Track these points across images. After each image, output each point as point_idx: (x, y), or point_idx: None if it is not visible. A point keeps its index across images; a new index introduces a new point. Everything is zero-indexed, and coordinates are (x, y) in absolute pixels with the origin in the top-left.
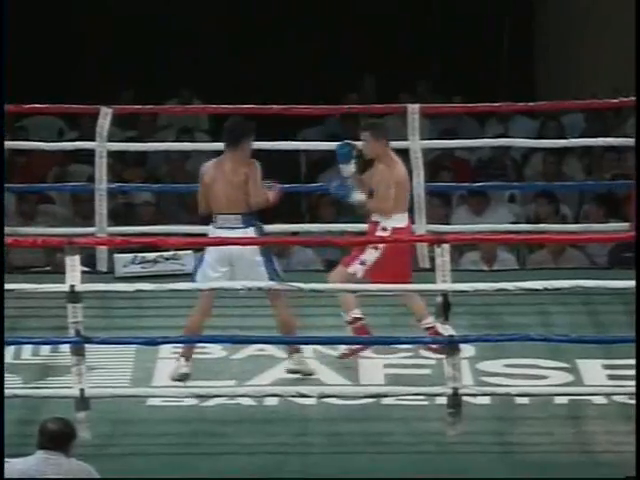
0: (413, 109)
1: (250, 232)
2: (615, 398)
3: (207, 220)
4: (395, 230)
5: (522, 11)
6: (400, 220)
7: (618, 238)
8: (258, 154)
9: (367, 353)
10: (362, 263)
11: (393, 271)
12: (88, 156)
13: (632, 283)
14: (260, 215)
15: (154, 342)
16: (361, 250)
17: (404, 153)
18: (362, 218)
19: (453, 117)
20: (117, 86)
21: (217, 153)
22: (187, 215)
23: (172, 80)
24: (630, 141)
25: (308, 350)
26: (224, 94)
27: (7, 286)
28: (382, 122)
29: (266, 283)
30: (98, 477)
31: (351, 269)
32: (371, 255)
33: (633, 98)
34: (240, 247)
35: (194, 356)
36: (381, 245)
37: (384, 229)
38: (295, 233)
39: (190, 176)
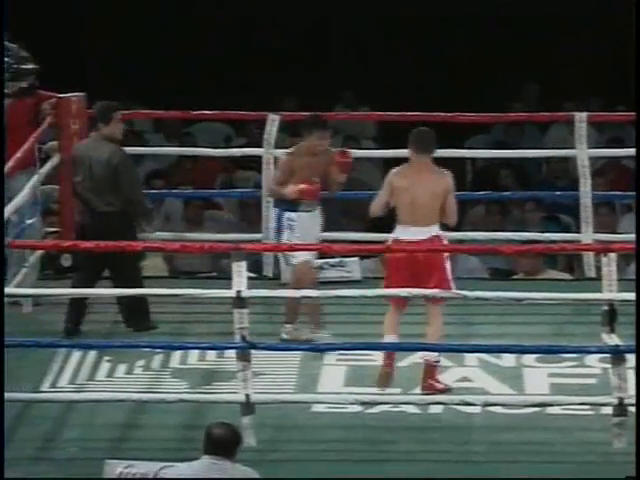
0: (581, 117)
1: None
2: None
3: (372, 226)
4: (397, 241)
5: None
6: (405, 232)
7: None
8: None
9: (532, 362)
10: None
11: None
12: (255, 162)
13: None
14: None
15: (319, 349)
16: (443, 272)
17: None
18: (527, 227)
19: (619, 126)
20: (282, 92)
21: (383, 160)
22: (351, 222)
23: (337, 86)
24: None
25: (473, 359)
26: (391, 101)
27: (174, 291)
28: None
29: (431, 291)
30: None
31: (454, 291)
32: (449, 267)
33: None
34: None
35: (360, 363)
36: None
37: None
38: (461, 241)
39: (355, 183)
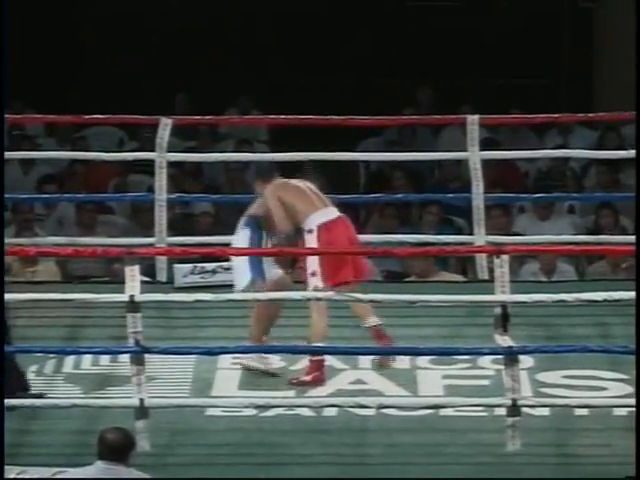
0: (472, 120)
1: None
2: None
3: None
4: (322, 225)
5: (581, 22)
6: (321, 216)
7: None
8: (317, 165)
9: (426, 364)
10: (313, 274)
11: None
12: (148, 166)
13: None
14: None
15: (213, 352)
16: (303, 264)
17: (463, 164)
18: (422, 229)
19: (514, 129)
20: (174, 96)
21: (276, 164)
22: None
23: (230, 90)
24: None
25: (367, 361)
26: (283, 105)
27: (67, 296)
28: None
29: (325, 293)
30: None
31: (311, 286)
32: (313, 261)
33: None
34: None
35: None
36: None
37: (309, 231)
38: None
39: (249, 186)
